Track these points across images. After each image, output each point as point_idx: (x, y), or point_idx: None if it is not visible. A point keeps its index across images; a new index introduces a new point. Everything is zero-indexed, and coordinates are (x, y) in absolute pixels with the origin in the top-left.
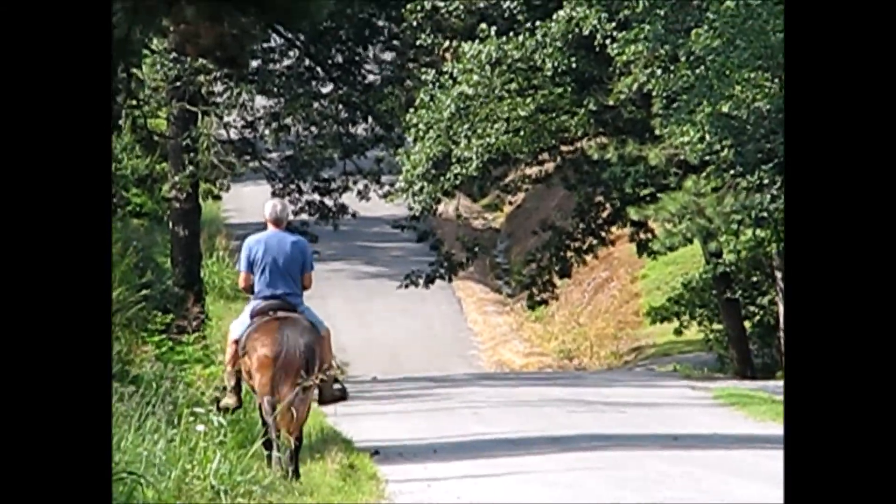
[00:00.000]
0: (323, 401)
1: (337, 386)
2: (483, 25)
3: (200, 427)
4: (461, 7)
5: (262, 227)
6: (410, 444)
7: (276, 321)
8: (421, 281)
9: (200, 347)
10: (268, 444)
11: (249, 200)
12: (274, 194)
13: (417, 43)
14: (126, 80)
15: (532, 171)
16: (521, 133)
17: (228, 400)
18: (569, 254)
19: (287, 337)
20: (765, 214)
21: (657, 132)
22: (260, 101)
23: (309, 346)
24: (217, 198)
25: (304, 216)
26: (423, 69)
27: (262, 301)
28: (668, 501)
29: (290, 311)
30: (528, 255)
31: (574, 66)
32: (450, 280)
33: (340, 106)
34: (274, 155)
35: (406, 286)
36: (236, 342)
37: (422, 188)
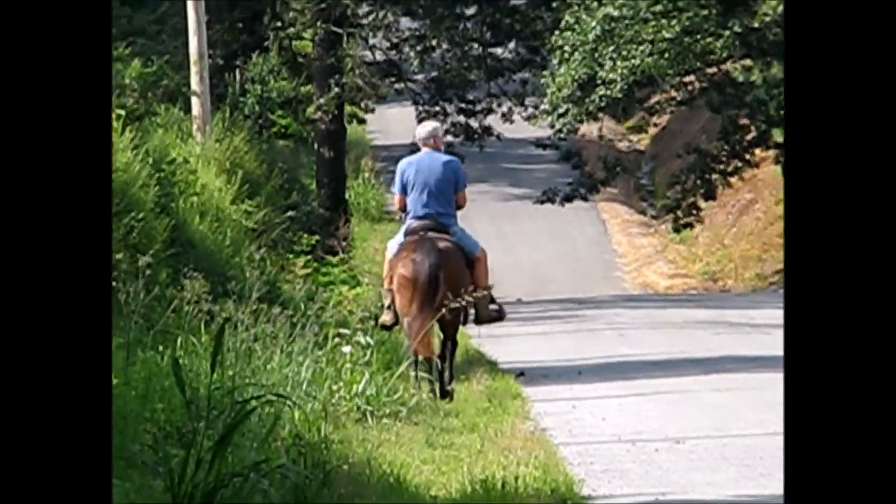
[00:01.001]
0: (480, 320)
1: (493, 306)
2: None
3: (346, 348)
4: None
5: (407, 148)
6: (555, 366)
7: (416, 242)
8: (558, 198)
9: (346, 268)
10: (415, 365)
11: (394, 122)
12: (419, 116)
13: None
14: (272, 2)
15: (677, 93)
16: (666, 55)
17: (385, 317)
18: (714, 176)
19: (420, 259)
20: None
21: None
22: (405, 22)
23: (441, 268)
24: (362, 121)
25: (450, 137)
26: None
27: (416, 221)
28: None
29: (442, 231)
30: (673, 178)
31: None
32: (585, 199)
33: (485, 28)
34: (419, 77)
35: (542, 202)
36: (390, 261)
37: (567, 110)
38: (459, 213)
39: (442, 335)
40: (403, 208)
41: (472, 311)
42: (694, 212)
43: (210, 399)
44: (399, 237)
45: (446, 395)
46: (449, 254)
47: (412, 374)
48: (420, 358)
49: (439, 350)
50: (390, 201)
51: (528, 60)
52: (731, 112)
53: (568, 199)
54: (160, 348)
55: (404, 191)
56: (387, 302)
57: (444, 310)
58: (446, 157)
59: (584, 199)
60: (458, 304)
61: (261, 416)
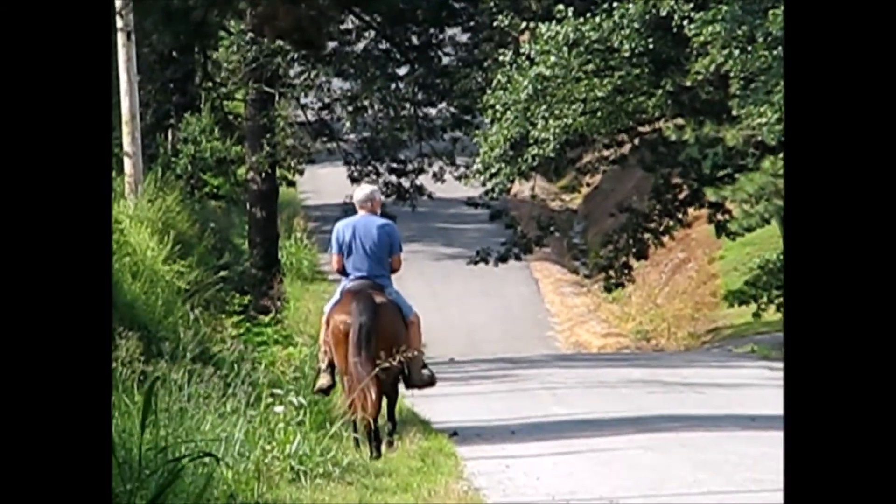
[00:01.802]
0: (411, 384)
1: (425, 371)
2: (560, 6)
3: (279, 408)
4: None
5: (339, 208)
6: (488, 426)
7: (352, 295)
8: (491, 258)
9: (279, 328)
10: (353, 425)
11: (326, 182)
12: (351, 176)
13: (494, 24)
14: (203, 62)
15: (609, 152)
16: (599, 114)
17: (322, 381)
18: (646, 235)
19: (357, 311)
20: None
21: (735, 113)
22: (336, 83)
23: (377, 320)
24: (291, 184)
25: (381, 197)
26: (500, 50)
27: (352, 282)
28: (747, 483)
29: (377, 291)
30: (605, 237)
31: (651, 47)
32: (519, 259)
33: (417, 88)
34: (351, 136)
35: (476, 262)
36: (325, 322)
37: (499, 169)
38: (394, 276)
39: (380, 395)
40: (341, 270)
41: (405, 373)
42: (626, 271)
43: (142, 459)
44: (335, 298)
45: (379, 453)
46: (385, 308)
47: (351, 432)
48: (358, 416)
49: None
50: (323, 261)
51: (459, 120)
52: (663, 171)
53: (502, 259)
54: None
55: (341, 251)
56: (323, 365)
57: (378, 367)
58: (382, 221)
59: (518, 258)
60: (391, 363)
61: (194, 476)
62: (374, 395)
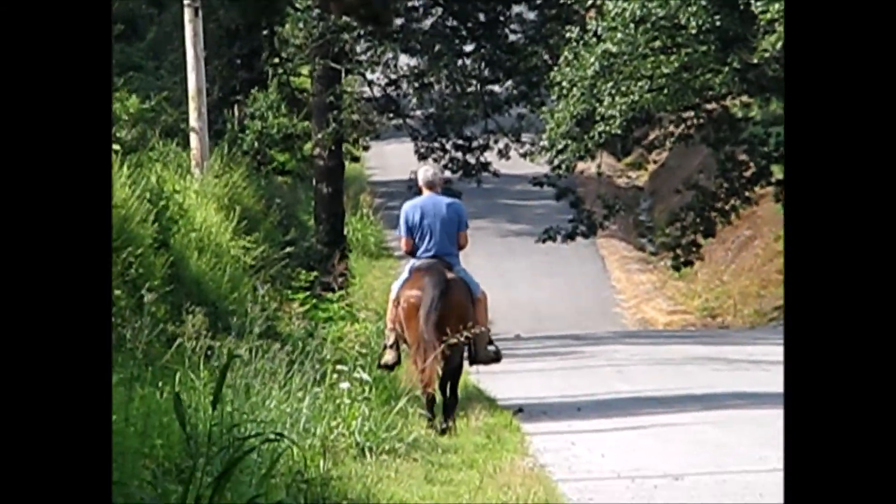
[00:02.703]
0: (477, 360)
1: (491, 348)
2: None
3: (345, 384)
4: None
5: (405, 184)
6: (554, 402)
7: (424, 271)
8: (560, 236)
9: (345, 304)
10: (427, 402)
11: (392, 158)
12: (417, 152)
13: (561, 1)
14: (270, 38)
15: (675, 129)
16: (665, 91)
17: (388, 357)
18: (713, 214)
19: (429, 285)
20: None
21: None
22: (403, 59)
23: (448, 294)
24: (357, 160)
25: (447, 173)
26: (567, 27)
27: (421, 261)
28: None
29: (447, 269)
30: (672, 215)
31: (718, 23)
32: (587, 237)
33: (483, 64)
34: (417, 113)
35: (544, 241)
36: (396, 300)
37: (565, 146)
38: (460, 253)
39: (444, 371)
40: (411, 251)
41: (471, 350)
42: (694, 250)
43: (210, 435)
44: (403, 276)
45: (445, 430)
46: (455, 283)
47: (425, 409)
48: (422, 390)
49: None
50: (389, 237)
51: (525, 96)
52: (728, 149)
53: (570, 237)
54: (160, 384)
55: (410, 233)
56: (389, 341)
57: (446, 342)
58: (449, 200)
59: (585, 236)
60: (458, 339)
61: (260, 453)
62: (439, 369)
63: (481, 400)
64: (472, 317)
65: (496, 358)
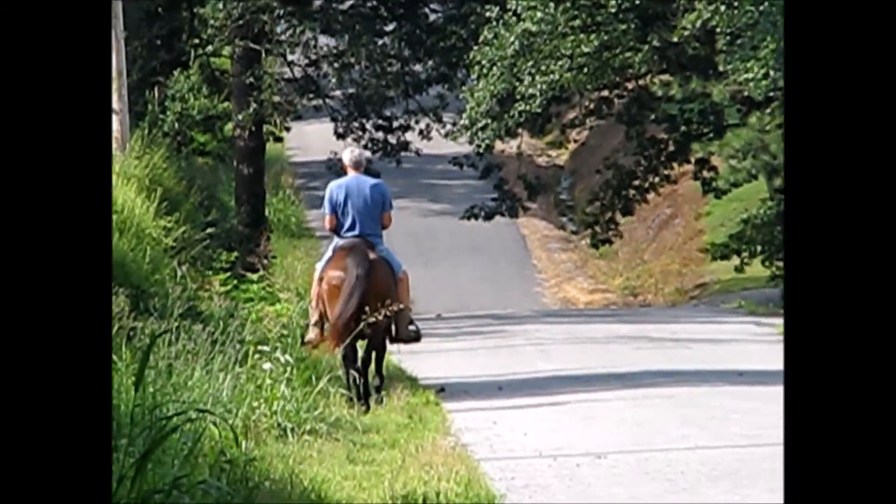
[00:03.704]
0: (397, 339)
1: (412, 327)
2: None
3: (267, 365)
4: None
5: (324, 164)
6: (475, 382)
7: (347, 250)
8: (482, 215)
9: (266, 285)
10: (348, 380)
11: (313, 139)
12: (337, 132)
13: None
14: (190, 19)
15: (595, 108)
16: (585, 70)
17: (311, 335)
18: (631, 192)
19: (351, 265)
20: None
21: (721, 69)
22: (323, 39)
23: (370, 274)
24: (278, 139)
25: (368, 153)
26: (487, 6)
27: (344, 240)
28: (734, 437)
29: (370, 249)
30: (592, 194)
31: (637, 2)
32: (511, 216)
33: (403, 44)
34: (337, 93)
35: (469, 218)
36: (318, 278)
37: (485, 126)
38: (384, 233)
39: (366, 350)
40: (335, 229)
41: (394, 328)
42: (612, 227)
43: (132, 416)
44: (327, 255)
45: (368, 407)
46: (378, 263)
47: (343, 374)
48: (340, 354)
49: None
50: (310, 217)
51: (445, 76)
52: (643, 128)
53: (490, 216)
54: None
55: (334, 211)
56: (313, 320)
57: (365, 321)
58: (373, 181)
59: (510, 216)
60: (378, 318)
61: (183, 433)
62: (360, 350)
63: (402, 379)
64: (393, 296)
65: (416, 337)
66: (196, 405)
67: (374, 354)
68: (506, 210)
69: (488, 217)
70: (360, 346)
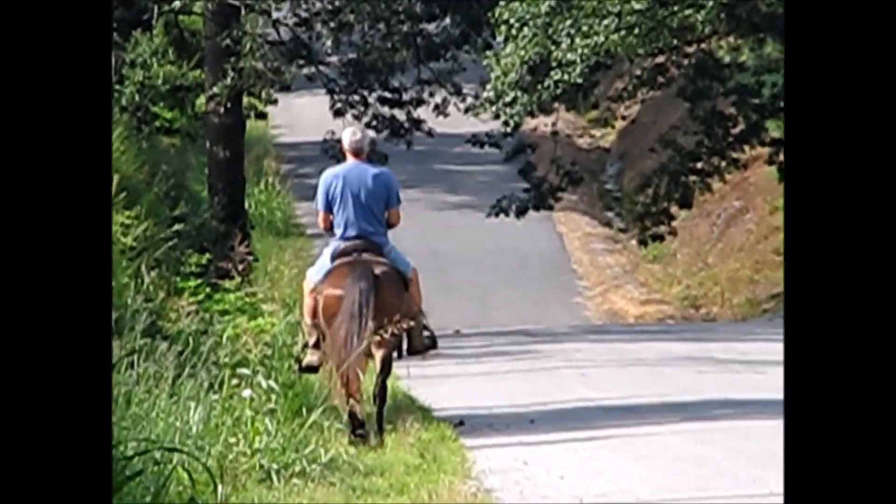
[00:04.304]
0: (412, 350)
1: (426, 333)
2: None
3: (247, 392)
4: None
5: (318, 146)
6: (502, 413)
7: (348, 265)
8: (513, 210)
9: (246, 294)
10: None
11: (303, 115)
12: (334, 108)
13: None
14: None
15: (648, 77)
16: (636, 31)
17: (311, 357)
18: (691, 178)
19: (352, 286)
20: None
21: None
22: None
23: (376, 296)
24: (262, 115)
25: (371, 133)
26: None
27: (344, 242)
28: None
29: (375, 252)
30: (644, 181)
31: None
32: (540, 209)
33: None
34: (333, 59)
35: (496, 215)
36: (314, 291)
37: (514, 99)
38: (390, 233)
39: (378, 372)
40: (329, 227)
41: (408, 340)
42: (666, 221)
43: None
44: (323, 262)
45: (377, 435)
46: (386, 280)
47: (344, 414)
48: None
49: (373, 390)
50: (300, 211)
51: (466, 37)
52: (709, 102)
53: (522, 211)
54: None
55: (329, 208)
56: (311, 340)
57: (373, 339)
58: (377, 170)
59: (537, 209)
60: (392, 334)
61: (145, 477)
62: (361, 376)
63: (413, 410)
64: (405, 309)
65: (432, 344)
66: (161, 442)
67: (380, 375)
68: (535, 201)
69: (520, 213)
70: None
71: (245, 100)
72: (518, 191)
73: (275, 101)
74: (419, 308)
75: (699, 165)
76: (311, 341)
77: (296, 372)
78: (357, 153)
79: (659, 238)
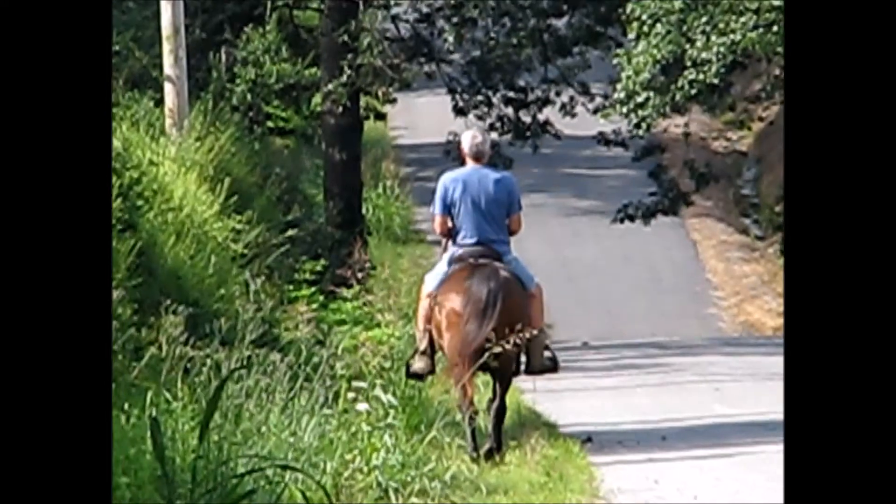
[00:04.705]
0: (531, 370)
1: (547, 354)
2: None
3: (363, 406)
4: None
5: (440, 148)
6: (632, 430)
7: (469, 268)
8: (641, 215)
9: (363, 304)
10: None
11: (424, 115)
12: (456, 108)
13: None
14: None
15: None
16: (774, 28)
17: (419, 363)
18: None
19: (477, 287)
20: None
21: None
22: None
23: (501, 298)
24: (381, 116)
25: (494, 135)
26: None
27: (462, 248)
28: None
29: (495, 260)
30: (782, 188)
31: None
32: (668, 215)
33: None
34: (456, 57)
35: (622, 221)
36: (430, 296)
37: (646, 100)
38: (512, 239)
39: (493, 386)
40: (447, 233)
41: (526, 357)
42: None
43: (194, 472)
44: (441, 268)
45: (490, 454)
46: (510, 284)
47: (466, 428)
48: (464, 410)
49: (485, 404)
50: (419, 217)
51: (595, 34)
52: None
53: (650, 214)
54: (125, 406)
55: (448, 211)
56: (422, 346)
57: (493, 350)
58: (498, 174)
59: (667, 214)
60: (509, 347)
61: (258, 495)
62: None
63: (539, 426)
64: (526, 319)
65: (553, 367)
66: (274, 459)
67: (498, 390)
68: (666, 206)
69: (647, 217)
70: (483, 381)
71: (363, 99)
72: (645, 196)
73: (394, 101)
74: (541, 326)
75: None
76: (422, 347)
77: (413, 386)
78: (478, 158)
79: None
